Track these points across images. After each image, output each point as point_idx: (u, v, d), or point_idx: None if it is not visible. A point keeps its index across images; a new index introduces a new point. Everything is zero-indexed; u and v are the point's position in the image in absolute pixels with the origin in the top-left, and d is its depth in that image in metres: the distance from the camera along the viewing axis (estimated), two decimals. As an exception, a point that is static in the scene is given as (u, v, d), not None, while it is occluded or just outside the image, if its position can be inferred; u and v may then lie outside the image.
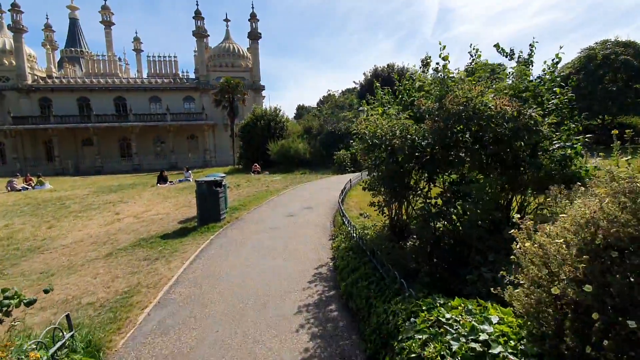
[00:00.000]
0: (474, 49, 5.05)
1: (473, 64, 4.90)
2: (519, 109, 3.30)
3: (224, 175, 9.80)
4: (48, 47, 45.60)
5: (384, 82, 32.11)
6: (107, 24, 52.19)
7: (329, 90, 24.98)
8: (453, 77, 4.40)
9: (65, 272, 5.91)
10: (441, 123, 3.64)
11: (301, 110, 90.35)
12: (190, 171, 19.14)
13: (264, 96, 45.22)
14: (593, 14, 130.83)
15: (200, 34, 41.39)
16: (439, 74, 4.75)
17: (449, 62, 4.67)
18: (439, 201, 3.98)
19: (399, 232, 5.90)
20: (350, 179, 12.97)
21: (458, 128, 3.62)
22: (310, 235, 6.93)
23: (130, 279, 5.23)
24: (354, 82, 56.29)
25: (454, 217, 3.61)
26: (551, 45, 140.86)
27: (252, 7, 42.74)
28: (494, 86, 4.17)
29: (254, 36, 42.93)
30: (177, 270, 5.37)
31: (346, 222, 6.45)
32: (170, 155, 40.02)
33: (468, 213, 3.45)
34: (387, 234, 6.25)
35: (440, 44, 4.68)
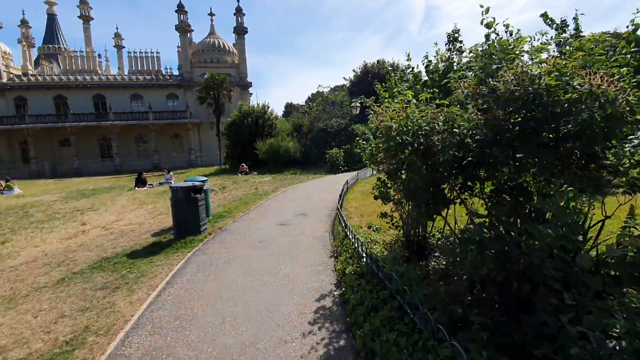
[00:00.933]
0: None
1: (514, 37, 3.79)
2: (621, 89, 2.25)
3: (204, 179, 8.63)
4: (24, 43, 43.09)
5: (375, 77, 31.42)
6: (86, 19, 49.79)
7: (319, 86, 23.83)
8: (507, 46, 3.27)
9: (2, 307, 4.69)
10: (498, 111, 2.58)
11: (290, 108, 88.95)
12: (171, 173, 17.80)
13: (252, 93, 43.85)
14: (578, 10, 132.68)
15: (183, 28, 39.70)
16: (481, 47, 3.67)
17: (495, 30, 3.61)
18: (487, 218, 2.95)
19: (417, 250, 4.87)
20: (347, 180, 11.89)
21: (521, 116, 2.58)
22: (307, 251, 5.84)
23: (79, 320, 4.04)
24: (344, 78, 55.31)
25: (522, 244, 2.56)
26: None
27: (238, 1, 41.17)
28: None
29: (240, 31, 41.44)
30: (140, 305, 4.20)
31: (351, 237, 5.38)
32: (153, 156, 38.31)
33: (542, 239, 2.41)
34: (400, 250, 5.21)
35: (483, 7, 3.59)
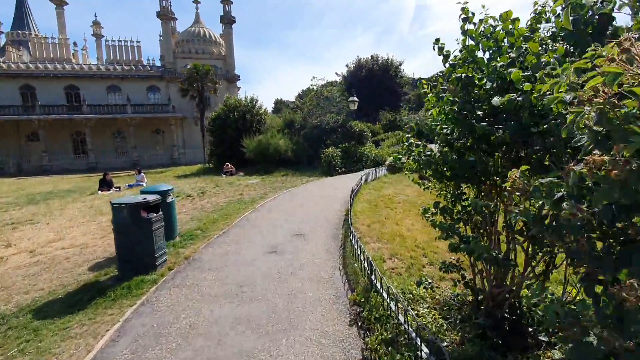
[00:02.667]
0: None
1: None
2: None
3: (169, 188, 6.49)
4: (-15, 26, 39.59)
5: (369, 73, 29.34)
6: (59, 3, 46.21)
7: (313, 78, 21.81)
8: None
9: None
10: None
11: (280, 105, 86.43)
12: (143, 173, 15.45)
13: (239, 87, 41.38)
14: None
15: (165, 15, 36.95)
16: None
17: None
18: None
19: (506, 322, 2.88)
20: (353, 189, 9.85)
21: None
22: (312, 310, 3.79)
23: None
24: (336, 73, 53.23)
25: None
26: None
27: (225, -12, 38.64)
28: None
29: (228, 20, 38.92)
30: None
31: (385, 297, 3.37)
32: (132, 152, 35.61)
33: None
34: (470, 323, 3.21)
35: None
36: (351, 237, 5.22)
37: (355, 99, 19.79)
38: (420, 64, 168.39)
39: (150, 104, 36.91)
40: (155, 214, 5.00)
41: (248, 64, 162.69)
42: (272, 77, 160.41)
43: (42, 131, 33.40)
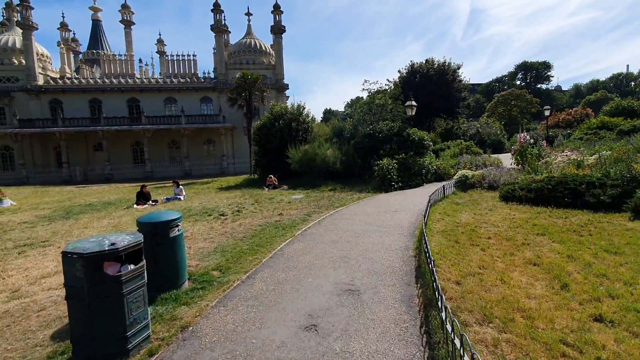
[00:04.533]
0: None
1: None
2: None
3: (174, 216, 4.79)
4: (62, 46, 43.58)
5: (423, 78, 26.28)
6: (127, 24, 49.76)
7: (365, 82, 19.61)
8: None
9: None
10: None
11: (329, 114, 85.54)
12: (181, 186, 14.44)
13: (288, 96, 40.65)
14: (634, 12, 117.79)
15: (218, 28, 37.53)
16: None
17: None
18: None
19: None
20: (424, 213, 7.50)
21: None
22: None
23: None
24: (388, 80, 50.64)
25: None
26: (590, 46, 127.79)
27: (276, -2, 38.40)
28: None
29: (278, 30, 38.54)
30: None
31: None
32: (185, 162, 36.17)
33: None
34: None
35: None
36: (444, 320, 3.01)
37: (414, 103, 17.33)
38: (474, 69, 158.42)
39: (203, 114, 37.47)
40: (132, 266, 3.24)
41: (300, 75, 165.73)
42: (323, 88, 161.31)
43: (105, 141, 35.22)
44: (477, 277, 4.71)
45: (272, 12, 38.73)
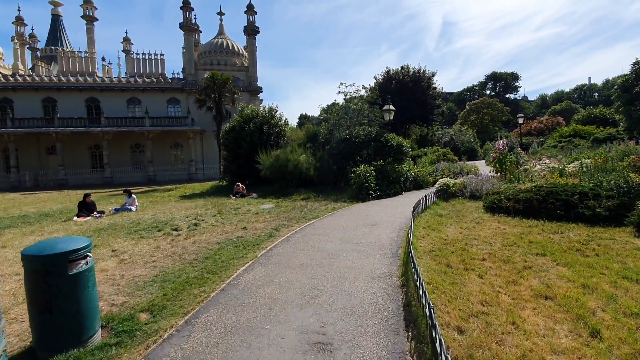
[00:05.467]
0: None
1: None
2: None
3: (80, 245, 3.44)
4: (16, 41, 40.13)
5: (398, 85, 25.78)
6: (89, 19, 46.69)
7: (341, 84, 18.71)
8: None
9: None
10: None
11: (304, 120, 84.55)
12: (134, 196, 12.77)
13: (262, 100, 39.28)
14: (597, 28, 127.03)
15: (188, 26, 35.74)
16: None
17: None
18: None
19: None
20: (407, 228, 6.44)
21: None
22: None
23: None
24: (363, 86, 50.23)
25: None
26: (554, 59, 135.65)
27: (249, -3, 37.19)
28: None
29: (251, 30, 37.24)
30: None
31: None
32: (149, 167, 33.85)
33: None
34: None
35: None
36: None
37: (392, 107, 16.57)
38: (447, 79, 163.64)
39: (169, 116, 35.37)
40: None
41: (276, 81, 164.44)
42: (299, 94, 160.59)
43: (59, 144, 32.41)
44: (482, 318, 3.68)
45: (245, 12, 37.42)
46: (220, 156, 22.79)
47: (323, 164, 16.46)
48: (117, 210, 11.79)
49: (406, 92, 41.97)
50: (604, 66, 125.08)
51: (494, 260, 5.58)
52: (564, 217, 7.87)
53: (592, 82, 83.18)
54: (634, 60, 19.16)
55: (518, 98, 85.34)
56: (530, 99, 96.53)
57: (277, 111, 19.84)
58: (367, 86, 25.89)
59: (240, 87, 34.21)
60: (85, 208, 11.24)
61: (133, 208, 12.05)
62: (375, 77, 47.04)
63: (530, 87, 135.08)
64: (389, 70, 47.25)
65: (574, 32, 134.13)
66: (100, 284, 5.27)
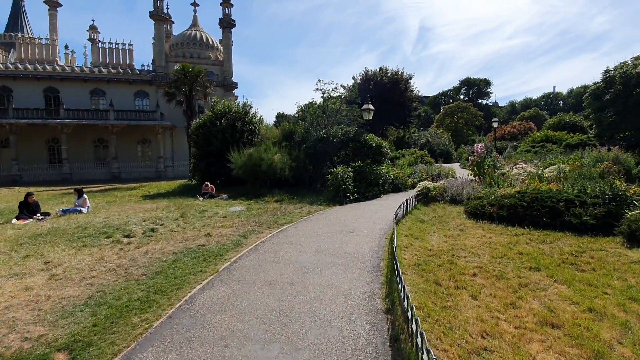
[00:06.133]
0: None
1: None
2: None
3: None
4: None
5: (376, 86, 25.41)
6: (53, 5, 43.47)
7: (319, 81, 17.95)
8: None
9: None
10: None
11: (282, 119, 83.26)
12: (85, 196, 11.42)
13: (237, 96, 37.91)
14: (563, 39, 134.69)
15: (159, 16, 33.88)
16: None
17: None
18: None
19: None
20: (389, 237, 5.76)
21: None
22: None
23: None
24: (342, 86, 49.97)
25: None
26: (523, 68, 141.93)
27: (225, -12, 35.74)
28: None
29: (227, 23, 35.82)
30: None
31: None
32: (113, 163, 31.74)
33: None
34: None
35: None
36: None
37: (371, 107, 16.01)
38: (422, 83, 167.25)
39: (137, 110, 33.34)
40: None
41: (254, 78, 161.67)
42: (278, 93, 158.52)
43: (13, 136, 29.74)
44: (485, 357, 3.03)
45: (221, 4, 35.97)
46: (190, 154, 21.46)
47: (299, 164, 15.65)
48: (64, 212, 10.44)
49: (384, 93, 41.88)
50: (568, 76, 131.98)
51: (485, 275, 5.00)
52: (550, 225, 7.50)
53: (557, 90, 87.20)
54: (605, 69, 19.67)
55: (490, 104, 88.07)
56: (500, 104, 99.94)
57: (251, 107, 18.84)
58: (346, 86, 25.10)
59: (214, 82, 32.76)
60: (27, 209, 9.86)
61: (84, 209, 10.75)
62: (353, 78, 46.77)
63: (500, 94, 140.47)
64: (367, 71, 47.11)
65: (542, 42, 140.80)
66: (18, 309, 4.26)
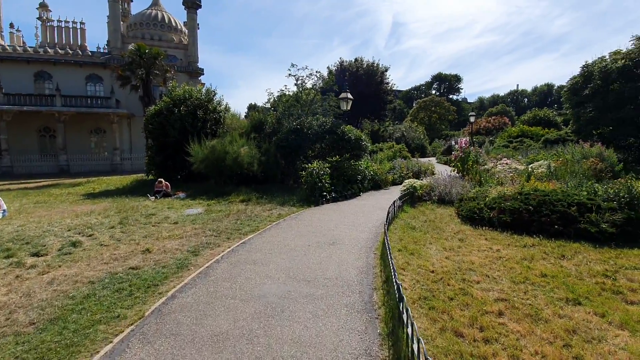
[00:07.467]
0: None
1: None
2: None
3: None
4: None
5: (352, 77, 23.62)
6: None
7: (292, 66, 16.25)
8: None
9: None
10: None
11: (253, 110, 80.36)
12: (-3, 196, 9.21)
13: (203, 84, 35.20)
14: (526, 39, 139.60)
15: (113, -9, 30.47)
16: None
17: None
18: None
19: None
20: (379, 249, 4.34)
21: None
22: None
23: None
24: (317, 72, 48.11)
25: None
26: (489, 65, 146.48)
27: (189, -36, 32.81)
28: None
29: (191, 3, 32.99)
30: None
31: None
32: (61, 155, 28.42)
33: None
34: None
35: None
36: None
37: (349, 95, 14.57)
38: (395, 78, 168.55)
39: (89, 96, 30.00)
40: None
41: (225, 69, 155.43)
42: (250, 83, 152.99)
43: (-64, 124, 25.75)
44: None
45: (184, -18, 32.98)
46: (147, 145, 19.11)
47: (269, 158, 13.97)
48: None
49: (360, 85, 40.70)
50: (531, 74, 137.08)
51: (515, 314, 3.70)
52: (562, 234, 6.41)
53: (520, 88, 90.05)
54: (584, 63, 19.38)
55: (459, 99, 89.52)
56: (469, 100, 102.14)
57: (215, 93, 16.79)
58: (319, 72, 23.34)
59: (176, 67, 30.01)
60: None
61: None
62: (328, 68, 45.22)
63: (468, 90, 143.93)
64: (343, 62, 45.75)
65: (507, 41, 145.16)
66: None
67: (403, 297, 3.01)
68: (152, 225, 7.83)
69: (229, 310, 3.83)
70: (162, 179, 12.60)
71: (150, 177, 17.60)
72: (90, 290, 4.40)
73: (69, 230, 7.37)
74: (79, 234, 7.08)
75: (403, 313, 2.94)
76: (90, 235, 6.95)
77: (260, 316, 3.68)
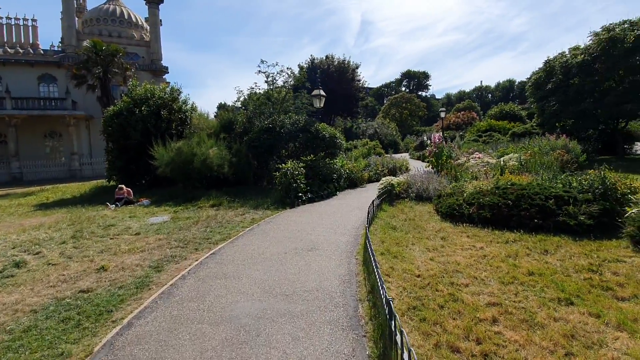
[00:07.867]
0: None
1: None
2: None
3: None
4: None
5: (323, 75, 23.21)
6: None
7: (262, 62, 15.70)
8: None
9: None
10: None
11: (222, 110, 78.31)
12: None
13: (168, 82, 33.61)
14: (487, 38, 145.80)
15: (65, -16, 28.38)
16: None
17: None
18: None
19: None
20: (360, 253, 3.95)
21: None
22: None
23: None
24: (288, 68, 47.47)
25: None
26: (453, 63, 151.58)
27: (149, -43, 31.17)
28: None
29: (153, -2, 31.30)
30: None
31: None
32: (12, 162, 26.19)
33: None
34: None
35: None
36: None
37: (322, 92, 14.21)
38: (366, 75, 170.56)
39: (42, 97, 27.83)
40: None
41: (193, 67, 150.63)
42: (219, 82, 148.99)
43: None
44: None
45: (144, -24, 31.28)
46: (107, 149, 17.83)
47: (240, 159, 13.34)
48: None
49: (331, 82, 40.43)
50: (492, 72, 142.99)
51: (510, 321, 3.46)
52: (541, 227, 6.36)
53: (484, 84, 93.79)
54: (546, 59, 20.10)
55: (428, 96, 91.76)
56: (437, 97, 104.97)
57: (180, 92, 15.87)
58: (290, 69, 22.77)
59: (137, 65, 28.40)
60: None
61: None
62: (299, 65, 44.63)
63: (436, 87, 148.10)
64: (314, 59, 45.35)
65: (470, 40, 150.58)
66: None
67: (395, 315, 2.65)
68: (110, 238, 7.08)
69: (195, 338, 3.32)
70: (122, 185, 11.66)
71: (112, 183, 16.41)
72: (32, 322, 3.74)
73: (13, 247, 6.50)
74: (25, 251, 6.25)
75: (396, 334, 2.58)
76: (37, 253, 6.14)
77: (232, 343, 3.20)
